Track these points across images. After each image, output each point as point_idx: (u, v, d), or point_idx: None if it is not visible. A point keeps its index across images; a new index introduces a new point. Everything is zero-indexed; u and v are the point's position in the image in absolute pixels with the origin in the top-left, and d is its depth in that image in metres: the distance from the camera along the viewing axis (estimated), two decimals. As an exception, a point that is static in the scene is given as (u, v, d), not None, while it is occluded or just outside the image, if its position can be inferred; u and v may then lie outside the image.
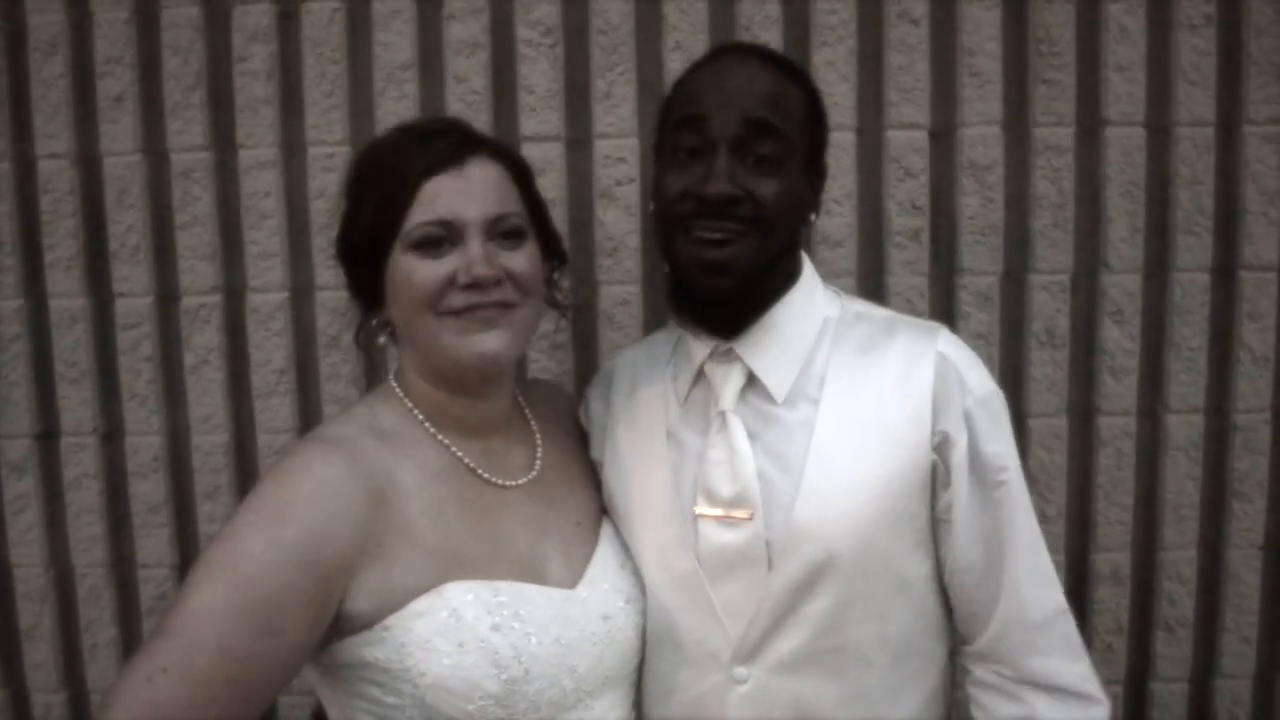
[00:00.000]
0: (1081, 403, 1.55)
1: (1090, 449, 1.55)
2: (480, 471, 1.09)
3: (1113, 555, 1.56)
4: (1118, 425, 1.54)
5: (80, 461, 1.60)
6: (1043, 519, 1.53)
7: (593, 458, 1.24)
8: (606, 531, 1.17)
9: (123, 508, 1.62)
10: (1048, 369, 1.54)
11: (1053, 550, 1.51)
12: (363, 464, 1.00)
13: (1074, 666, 1.08)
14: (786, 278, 1.12)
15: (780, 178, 1.04)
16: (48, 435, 1.62)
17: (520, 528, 1.09)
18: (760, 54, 1.12)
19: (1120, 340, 1.53)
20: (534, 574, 1.06)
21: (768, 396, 1.09)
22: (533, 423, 1.21)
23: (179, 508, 1.61)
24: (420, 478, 1.04)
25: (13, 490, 1.62)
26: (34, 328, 1.60)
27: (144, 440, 1.60)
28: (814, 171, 1.13)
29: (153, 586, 1.61)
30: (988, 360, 1.52)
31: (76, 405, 1.60)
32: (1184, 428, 1.54)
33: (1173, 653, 1.58)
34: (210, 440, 1.59)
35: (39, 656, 1.64)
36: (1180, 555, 1.56)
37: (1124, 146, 1.51)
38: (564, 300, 1.26)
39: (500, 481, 1.11)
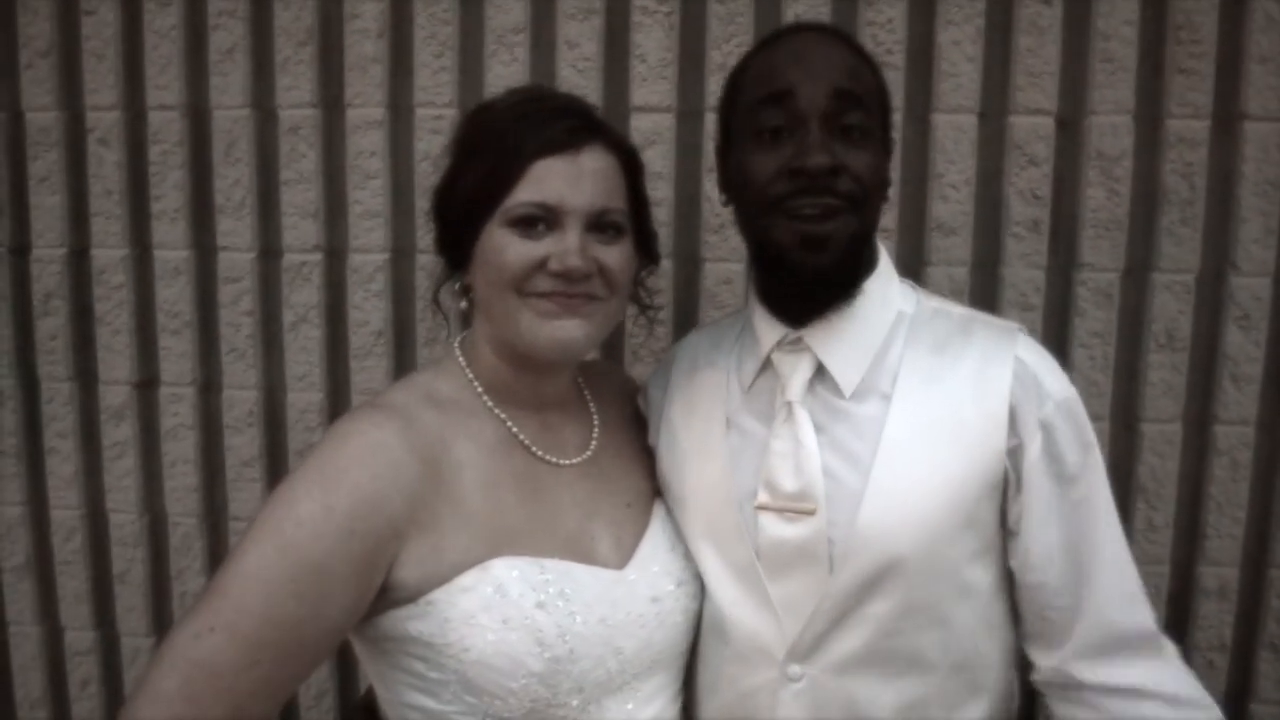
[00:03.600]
0: (1199, 410, 1.49)
1: (1205, 458, 1.49)
2: (534, 448, 1.08)
3: (1221, 570, 1.50)
4: (1235, 435, 1.48)
5: (178, 412, 1.63)
6: (1150, 528, 1.49)
7: (650, 443, 1.22)
8: (659, 513, 1.15)
9: (217, 459, 1.64)
10: (1165, 373, 1.47)
11: (1158, 561, 1.50)
12: (418, 432, 0.99)
13: (1174, 674, 1.03)
14: (867, 265, 1.08)
15: (870, 149, 1.01)
16: (147, 384, 1.64)
17: (571, 507, 1.08)
18: (827, 30, 1.09)
19: (1245, 346, 1.46)
20: (582, 553, 1.05)
21: (836, 389, 1.05)
22: (591, 403, 1.20)
23: (271, 463, 1.63)
24: (475, 450, 1.03)
25: (111, 436, 1.65)
26: (138, 277, 1.62)
27: (241, 394, 1.61)
28: (887, 148, 1.09)
29: (242, 539, 1.63)
30: (1103, 360, 1.47)
31: (176, 356, 1.62)
32: (1306, 441, 1.47)
33: (1276, 674, 1.52)
34: (305, 398, 1.60)
35: (130, 601, 1.68)
36: (1292, 574, 1.50)
37: (1262, 142, 1.43)
38: (648, 300, 1.23)
39: (554, 459, 1.09)
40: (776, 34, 1.09)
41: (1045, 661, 1.06)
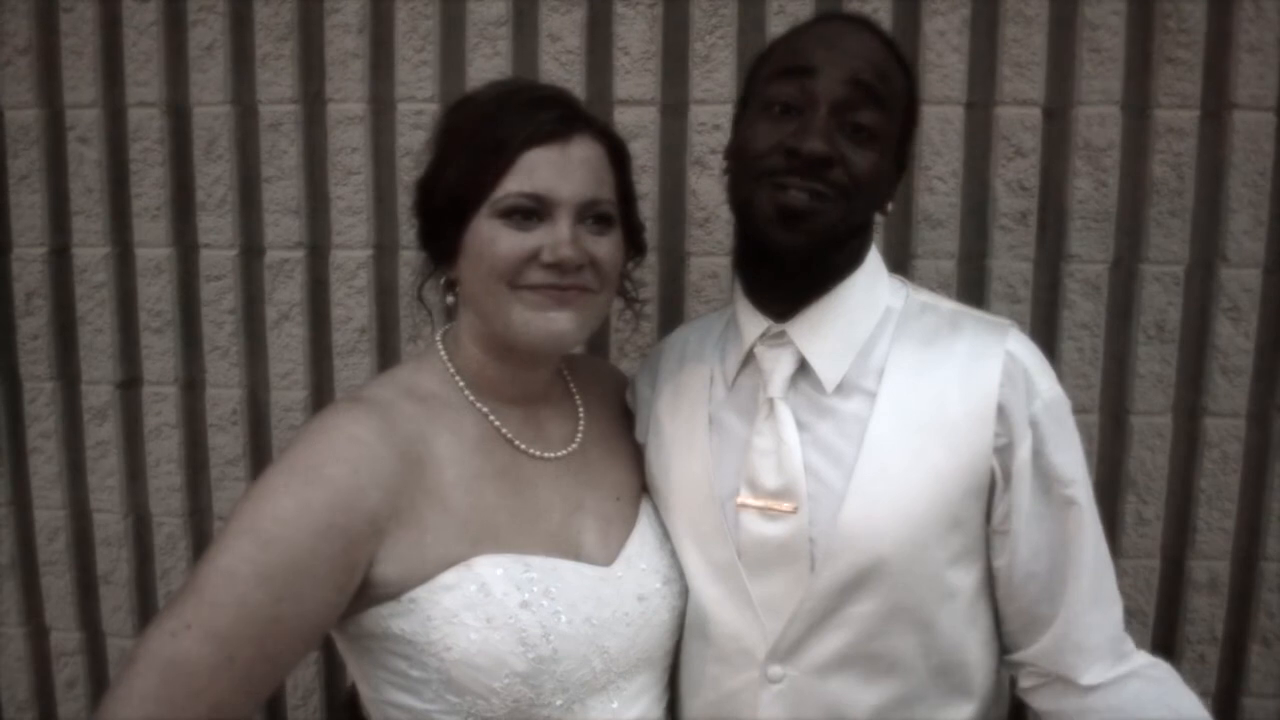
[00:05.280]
0: (1189, 402, 1.48)
1: (1195, 450, 1.48)
2: (518, 442, 1.07)
3: (1211, 563, 1.49)
4: (1226, 427, 1.47)
5: (161, 411, 1.62)
6: (1140, 521, 1.48)
7: (637, 439, 1.20)
8: (647, 509, 1.14)
9: (201, 458, 1.63)
10: (1155, 365, 1.46)
11: (1148, 555, 1.49)
12: (398, 427, 0.98)
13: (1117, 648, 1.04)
14: (852, 259, 1.06)
15: (875, 151, 0.99)
16: (130, 383, 1.63)
17: (556, 501, 1.06)
18: (867, 24, 1.07)
19: (1234, 338, 1.45)
20: (568, 549, 1.03)
21: (819, 385, 1.04)
22: (576, 396, 1.18)
23: (256, 461, 1.62)
24: (456, 445, 1.02)
25: (94, 436, 1.64)
26: (120, 276, 1.61)
27: (224, 393, 1.60)
28: (899, 163, 1.07)
29: (227, 538, 1.62)
30: (1092, 352, 1.46)
31: (159, 355, 1.61)
32: (1297, 433, 1.46)
33: (1268, 667, 1.51)
34: (289, 396, 1.59)
35: (115, 601, 1.67)
36: (1283, 567, 1.49)
37: (1251, 132, 1.42)
38: (634, 293, 1.22)
39: (538, 453, 1.08)
40: (818, 18, 1.09)
41: (1021, 657, 1.06)
